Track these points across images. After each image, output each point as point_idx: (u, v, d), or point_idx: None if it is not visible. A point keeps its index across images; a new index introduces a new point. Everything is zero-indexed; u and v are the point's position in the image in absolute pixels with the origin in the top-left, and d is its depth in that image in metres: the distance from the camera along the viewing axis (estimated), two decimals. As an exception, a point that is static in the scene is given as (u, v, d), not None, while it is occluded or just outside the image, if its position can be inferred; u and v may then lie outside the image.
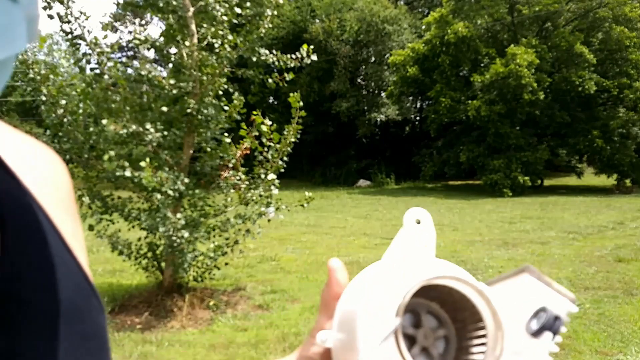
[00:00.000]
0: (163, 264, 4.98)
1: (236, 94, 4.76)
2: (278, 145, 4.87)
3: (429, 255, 0.46)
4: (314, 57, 4.85)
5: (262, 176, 4.84)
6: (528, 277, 0.43)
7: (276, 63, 4.89)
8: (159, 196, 4.22)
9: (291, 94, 4.79)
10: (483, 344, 0.41)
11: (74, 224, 0.44)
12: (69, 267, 0.39)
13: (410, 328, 0.43)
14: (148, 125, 4.34)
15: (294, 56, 4.87)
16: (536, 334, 0.40)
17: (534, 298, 0.41)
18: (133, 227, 4.69)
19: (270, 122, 4.79)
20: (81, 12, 4.55)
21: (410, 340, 0.42)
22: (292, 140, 4.89)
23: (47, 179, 0.43)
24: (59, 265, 0.38)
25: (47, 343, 0.36)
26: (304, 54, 4.83)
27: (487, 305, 0.41)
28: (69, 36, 4.56)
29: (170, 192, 4.28)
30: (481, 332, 0.41)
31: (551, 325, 0.40)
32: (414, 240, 0.46)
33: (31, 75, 4.45)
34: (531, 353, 0.40)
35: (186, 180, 4.48)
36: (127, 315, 4.71)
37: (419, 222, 0.47)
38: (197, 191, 4.66)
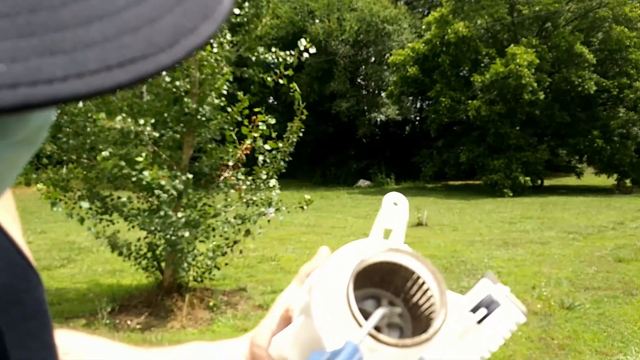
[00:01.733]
0: (163, 264, 4.98)
1: (240, 94, 4.75)
2: (280, 145, 4.87)
3: (397, 237, 0.50)
4: (312, 50, 4.83)
5: (263, 177, 4.84)
6: (486, 280, 0.47)
7: (275, 60, 4.89)
8: (161, 194, 4.21)
9: (295, 90, 4.78)
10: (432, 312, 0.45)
11: (3, 197, 0.41)
12: (1, 245, 0.37)
13: (371, 308, 0.46)
14: (142, 121, 4.32)
15: (292, 52, 4.85)
16: (474, 310, 0.45)
17: (483, 291, 0.46)
18: (133, 227, 4.69)
19: (273, 121, 4.78)
20: None
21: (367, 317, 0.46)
22: (294, 140, 4.89)
23: None
24: None
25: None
26: (302, 48, 4.81)
27: (432, 275, 0.45)
28: None
29: (170, 189, 4.28)
30: (432, 309, 0.45)
31: (487, 304, 0.45)
32: (387, 221, 0.51)
33: None
34: (472, 335, 0.44)
35: (184, 177, 4.48)
36: (127, 316, 4.71)
37: (396, 204, 0.52)
38: (197, 191, 4.66)
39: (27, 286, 0.37)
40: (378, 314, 0.43)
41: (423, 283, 0.45)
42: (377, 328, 0.44)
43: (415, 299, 0.47)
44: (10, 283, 0.36)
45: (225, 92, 4.73)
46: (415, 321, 0.47)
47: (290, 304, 0.52)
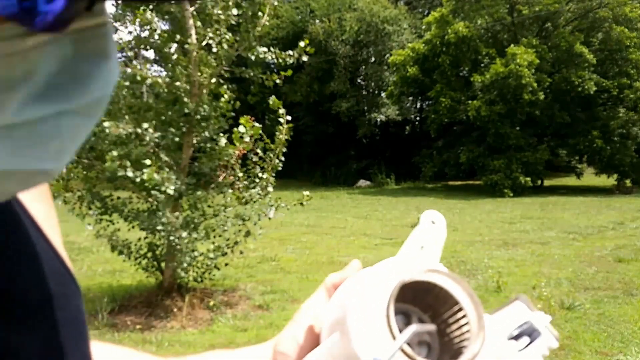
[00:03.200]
0: (163, 264, 4.98)
1: (225, 96, 4.73)
2: (272, 146, 4.86)
3: (432, 255, 0.49)
4: (310, 50, 4.83)
5: (259, 174, 4.84)
6: (521, 304, 0.47)
7: (275, 61, 4.89)
8: (159, 195, 4.21)
9: (271, 99, 4.77)
10: (465, 339, 0.44)
11: (46, 206, 0.43)
12: (46, 253, 0.39)
13: (400, 325, 0.45)
14: (145, 125, 4.32)
15: (291, 52, 4.85)
16: (516, 338, 0.45)
17: (522, 317, 0.46)
18: (133, 227, 4.69)
19: (260, 125, 4.76)
20: None
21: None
22: (286, 138, 4.87)
23: None
24: (37, 254, 0.38)
25: (31, 333, 0.36)
26: (302, 52, 4.81)
27: (469, 298, 0.44)
28: None
29: (170, 192, 4.28)
30: (465, 329, 0.44)
31: (530, 332, 0.45)
32: (424, 239, 0.50)
33: None
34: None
35: (186, 180, 4.48)
36: (127, 316, 4.71)
37: (434, 223, 0.51)
38: (197, 192, 4.66)
39: (68, 293, 0.40)
40: (410, 330, 0.42)
41: (456, 304, 0.45)
42: (408, 344, 0.44)
43: (444, 316, 0.46)
44: (57, 288, 0.38)
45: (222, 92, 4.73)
46: (443, 339, 0.47)
47: (318, 315, 0.51)
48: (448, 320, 0.46)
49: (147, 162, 4.04)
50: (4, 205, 0.36)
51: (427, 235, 0.50)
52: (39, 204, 0.42)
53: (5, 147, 0.23)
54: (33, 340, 0.35)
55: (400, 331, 0.42)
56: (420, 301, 0.48)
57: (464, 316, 0.44)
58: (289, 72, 4.90)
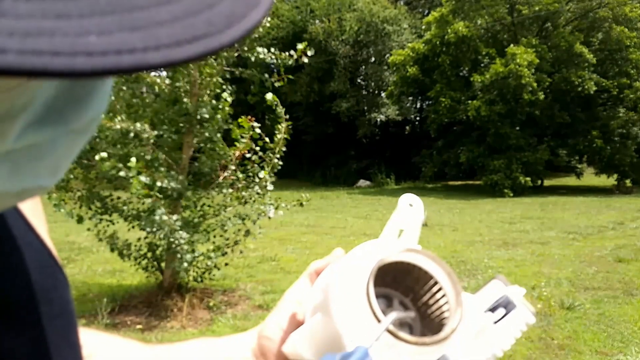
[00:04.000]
0: (163, 264, 4.98)
1: (224, 94, 4.72)
2: (271, 145, 4.86)
3: (411, 237, 0.51)
4: (310, 53, 4.81)
5: (256, 171, 4.84)
6: (498, 282, 0.48)
7: (275, 61, 4.88)
8: (149, 201, 4.21)
9: (267, 96, 4.75)
10: (445, 318, 0.46)
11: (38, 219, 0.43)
12: (34, 246, 0.39)
13: (382, 308, 0.47)
14: (139, 125, 4.31)
15: (291, 53, 4.84)
16: (492, 310, 0.46)
17: (498, 292, 0.48)
18: (133, 227, 4.69)
19: (257, 125, 4.76)
20: None
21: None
22: (285, 137, 4.86)
23: None
24: (24, 247, 0.38)
25: (20, 329, 0.36)
26: (300, 54, 4.79)
27: (447, 276, 0.46)
28: None
29: (168, 188, 4.28)
30: (444, 308, 0.46)
31: (505, 305, 0.46)
32: (403, 222, 0.52)
33: None
34: (489, 334, 0.45)
35: (181, 177, 4.47)
36: (127, 316, 4.71)
37: (411, 205, 0.53)
38: (196, 192, 4.66)
39: (55, 285, 0.40)
40: (395, 313, 0.43)
41: (435, 283, 0.46)
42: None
43: (425, 298, 0.48)
44: (42, 281, 0.38)
45: (218, 91, 4.72)
46: (424, 321, 0.48)
47: (302, 300, 0.52)
48: (428, 302, 0.47)
49: (131, 163, 4.00)
50: None
51: (406, 218, 0.52)
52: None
53: (2, 170, 0.24)
54: (20, 336, 0.36)
55: (383, 312, 0.43)
56: (400, 284, 0.49)
57: (443, 296, 0.46)
58: (284, 82, 4.88)
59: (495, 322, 0.46)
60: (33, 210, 0.42)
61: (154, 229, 4.28)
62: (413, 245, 0.49)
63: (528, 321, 0.47)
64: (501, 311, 0.46)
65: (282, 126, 4.85)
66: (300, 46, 4.79)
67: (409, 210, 0.52)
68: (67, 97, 0.24)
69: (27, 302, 0.37)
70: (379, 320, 0.41)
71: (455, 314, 0.44)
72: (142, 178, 4.06)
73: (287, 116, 4.88)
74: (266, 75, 4.90)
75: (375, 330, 0.40)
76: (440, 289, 0.46)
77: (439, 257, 0.46)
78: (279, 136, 4.84)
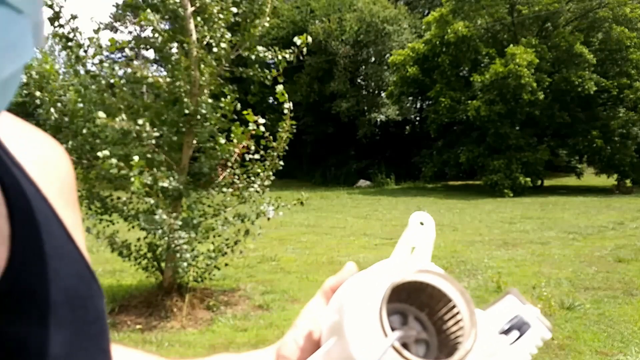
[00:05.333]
0: (163, 264, 4.98)
1: (226, 92, 4.71)
2: (274, 144, 4.86)
3: (423, 256, 0.51)
4: (309, 40, 4.75)
5: (259, 172, 4.84)
6: (512, 298, 0.49)
7: (275, 59, 4.86)
8: (151, 201, 4.21)
9: (278, 88, 4.72)
10: (460, 335, 0.46)
11: (75, 213, 0.46)
12: (72, 256, 0.42)
13: (397, 324, 0.48)
14: (140, 121, 4.30)
15: (291, 50, 4.82)
16: (506, 332, 0.46)
17: (512, 311, 0.48)
18: (132, 227, 4.69)
19: (263, 121, 4.75)
20: (72, 16, 4.51)
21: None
22: (288, 136, 4.86)
23: (50, 169, 0.44)
24: (63, 255, 0.40)
25: (54, 330, 0.37)
26: (304, 44, 4.72)
27: (461, 296, 0.46)
28: (63, 40, 4.50)
29: (168, 188, 4.27)
30: (461, 324, 0.46)
31: (519, 326, 0.46)
32: (414, 240, 0.51)
33: (24, 80, 4.42)
34: (503, 354, 0.46)
35: (181, 177, 4.47)
36: (127, 316, 4.71)
37: (422, 224, 0.53)
38: (196, 192, 4.66)
39: (91, 294, 0.42)
40: (395, 335, 0.43)
41: (449, 301, 0.47)
42: (405, 344, 0.46)
43: (440, 313, 0.48)
44: (78, 287, 0.41)
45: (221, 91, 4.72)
46: (440, 336, 0.48)
47: (317, 319, 0.53)
48: (444, 317, 0.47)
49: (135, 159, 4.01)
50: (39, 212, 0.39)
51: (417, 236, 0.52)
52: (68, 212, 0.44)
53: None
54: (55, 335, 0.37)
55: (397, 329, 0.44)
56: (415, 300, 0.49)
57: (457, 312, 0.46)
58: (282, 79, 4.85)
59: (510, 344, 0.46)
60: (75, 227, 0.45)
61: (153, 228, 4.28)
62: (426, 264, 0.50)
63: (544, 336, 0.47)
64: (515, 333, 0.46)
65: (287, 123, 4.84)
66: (298, 41, 4.70)
67: (420, 228, 0.52)
68: None
69: (63, 304, 0.39)
70: (395, 350, 0.42)
71: (470, 335, 0.44)
72: (144, 178, 4.06)
73: (292, 114, 4.88)
74: (266, 71, 4.88)
75: (388, 355, 0.41)
76: (454, 306, 0.46)
77: (450, 276, 0.46)
78: (282, 134, 4.84)
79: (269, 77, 4.88)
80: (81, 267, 0.42)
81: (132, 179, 4.00)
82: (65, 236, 0.42)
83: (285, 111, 4.80)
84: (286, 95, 4.75)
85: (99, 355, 0.41)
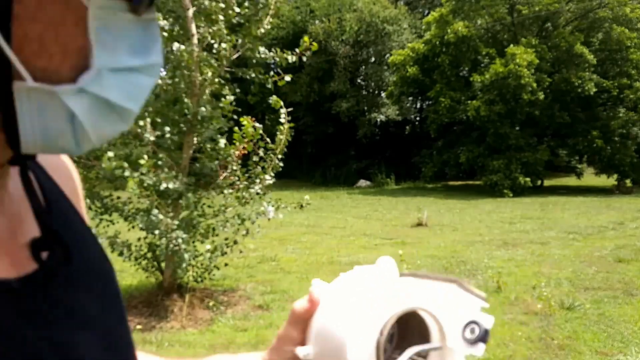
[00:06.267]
0: (163, 264, 4.98)
1: (226, 93, 4.71)
2: (272, 145, 4.86)
3: (404, 287, 0.54)
4: (314, 46, 4.78)
5: (258, 171, 4.84)
6: (456, 288, 0.53)
7: (276, 60, 4.86)
8: (147, 201, 4.21)
9: (272, 97, 4.76)
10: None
11: (83, 210, 0.54)
12: (91, 237, 0.51)
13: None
14: (141, 123, 4.31)
15: (297, 50, 4.82)
16: (473, 344, 0.50)
17: (463, 309, 0.52)
18: (133, 227, 4.68)
19: (260, 125, 4.76)
20: None
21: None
22: (287, 138, 4.86)
23: (63, 174, 0.52)
24: (85, 235, 0.50)
25: (88, 296, 0.45)
26: (307, 47, 4.75)
27: (435, 322, 0.52)
28: None
29: (169, 188, 4.27)
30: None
31: (483, 337, 0.50)
32: (382, 275, 0.55)
33: None
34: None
35: (182, 177, 4.47)
36: (127, 316, 4.71)
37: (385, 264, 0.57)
38: (197, 192, 4.65)
39: (109, 270, 0.51)
40: None
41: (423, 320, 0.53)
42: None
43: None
44: (104, 263, 0.50)
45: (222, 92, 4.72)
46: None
47: (307, 354, 0.54)
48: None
49: (142, 161, 4.03)
50: (65, 203, 0.49)
51: (385, 273, 0.56)
52: (81, 207, 0.53)
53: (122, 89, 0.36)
54: (89, 292, 0.45)
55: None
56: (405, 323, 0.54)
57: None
58: (283, 82, 4.87)
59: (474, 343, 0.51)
60: (86, 217, 0.54)
61: (151, 228, 4.28)
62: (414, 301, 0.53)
63: (484, 306, 0.52)
64: (482, 346, 0.50)
65: (285, 127, 4.84)
66: (305, 40, 4.76)
67: (385, 266, 0.56)
68: (148, 36, 0.38)
69: (98, 271, 0.48)
70: None
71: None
72: (147, 179, 4.07)
73: (289, 117, 4.88)
74: (268, 74, 4.89)
75: None
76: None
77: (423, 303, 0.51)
78: (280, 137, 4.84)
79: (269, 80, 4.88)
80: (101, 250, 0.51)
81: (128, 180, 4.01)
82: (83, 225, 0.50)
83: (282, 119, 4.81)
84: (281, 102, 4.76)
85: (121, 323, 0.50)
